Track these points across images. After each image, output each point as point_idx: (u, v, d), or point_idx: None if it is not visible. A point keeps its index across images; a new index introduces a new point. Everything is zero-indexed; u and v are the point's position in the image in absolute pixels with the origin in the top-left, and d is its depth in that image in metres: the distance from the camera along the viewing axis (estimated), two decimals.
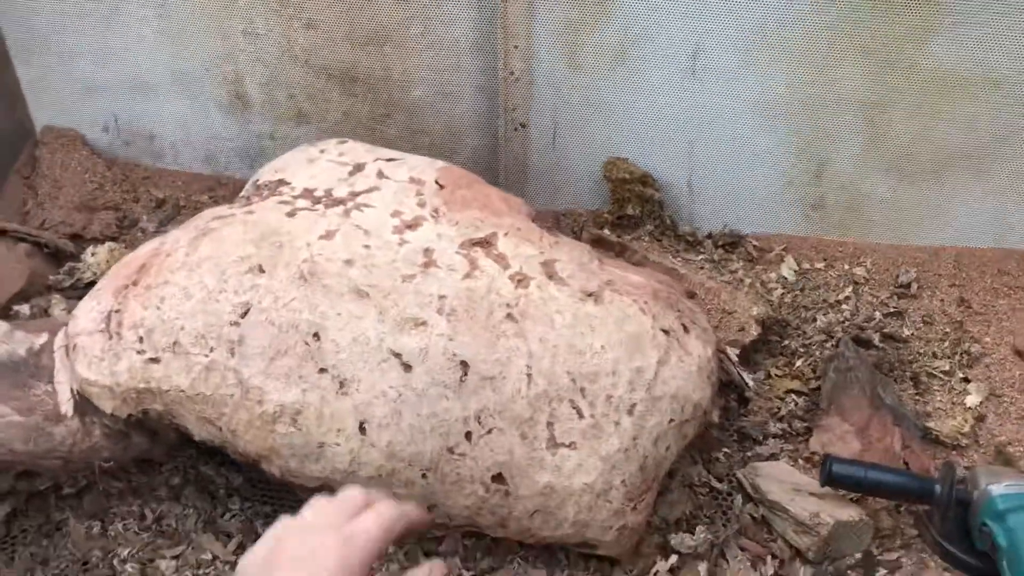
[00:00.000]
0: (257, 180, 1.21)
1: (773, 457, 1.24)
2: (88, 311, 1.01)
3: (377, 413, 0.95)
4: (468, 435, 0.96)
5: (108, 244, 1.57)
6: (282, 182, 1.17)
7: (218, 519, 1.12)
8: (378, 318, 0.98)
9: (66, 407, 1.01)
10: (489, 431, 0.96)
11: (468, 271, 1.04)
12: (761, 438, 1.26)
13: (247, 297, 0.98)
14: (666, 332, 1.06)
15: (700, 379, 1.06)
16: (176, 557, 1.07)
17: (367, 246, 1.05)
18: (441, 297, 1.01)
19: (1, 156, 1.68)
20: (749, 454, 1.24)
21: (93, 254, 1.56)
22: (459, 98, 1.52)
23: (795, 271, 1.50)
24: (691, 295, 1.38)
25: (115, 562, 1.06)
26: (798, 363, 1.36)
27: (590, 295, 1.06)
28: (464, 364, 0.97)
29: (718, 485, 1.18)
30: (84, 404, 1.00)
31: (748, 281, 1.47)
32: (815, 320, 1.42)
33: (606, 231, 1.50)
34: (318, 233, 1.05)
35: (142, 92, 1.62)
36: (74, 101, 1.66)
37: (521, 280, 1.05)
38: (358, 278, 1.01)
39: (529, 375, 0.98)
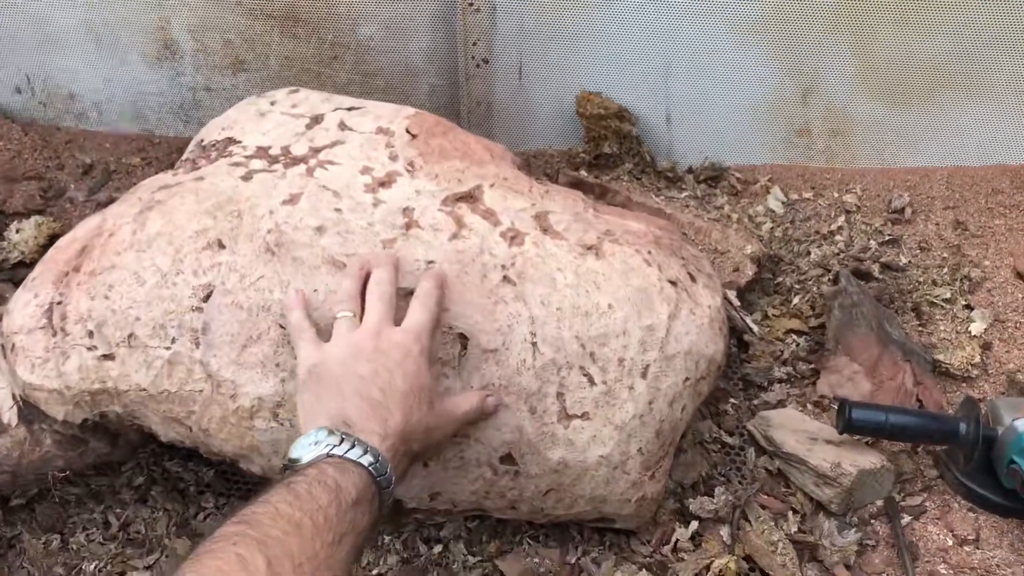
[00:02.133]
0: (202, 140, 1.07)
1: (781, 404, 1.17)
2: (25, 305, 0.88)
3: None
4: None
5: (34, 218, 1.42)
6: (231, 140, 1.04)
7: (191, 520, 1.01)
8: None
9: (8, 415, 0.88)
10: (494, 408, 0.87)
11: (455, 231, 0.93)
12: (766, 384, 1.19)
13: (208, 278, 0.86)
14: (673, 283, 0.97)
15: (712, 332, 0.98)
16: (149, 567, 0.96)
17: (338, 209, 0.93)
18: (429, 263, 0.90)
19: None
20: (756, 402, 1.17)
21: (18, 231, 1.40)
22: (413, 34, 1.39)
23: (783, 203, 1.42)
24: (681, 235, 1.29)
25: None
26: (795, 301, 1.29)
27: (590, 248, 0.96)
28: (462, 337, 0.87)
29: (729, 440, 1.11)
30: (30, 410, 0.88)
31: (735, 217, 1.38)
32: (809, 254, 1.35)
33: (583, 172, 1.40)
34: (280, 198, 0.93)
35: (56, 46, 1.45)
36: None
37: (514, 237, 0.94)
38: (332, 247, 0.89)
39: (534, 344, 0.88)
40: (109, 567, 0.96)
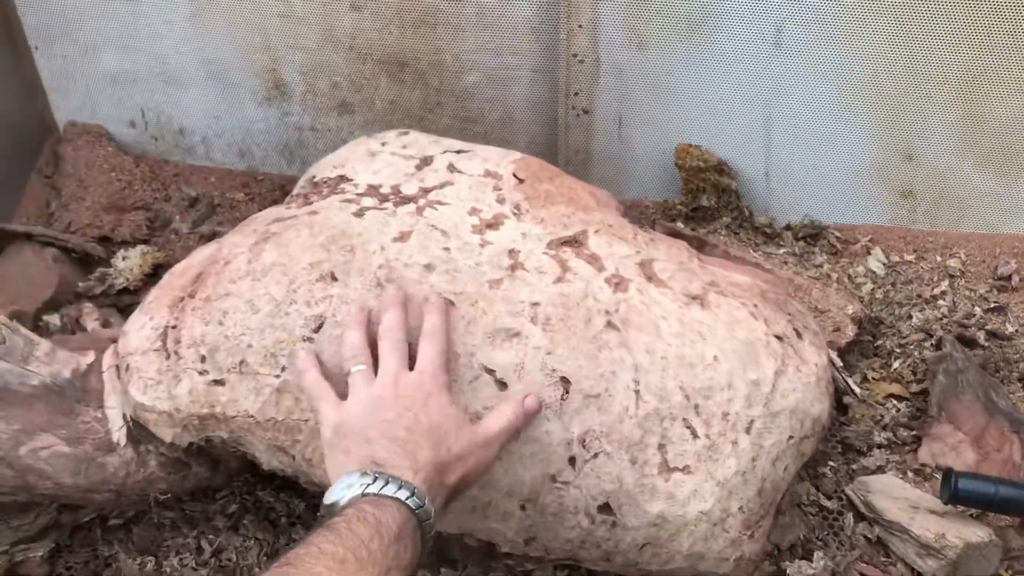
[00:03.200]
0: (313, 177, 1.10)
1: (880, 470, 1.13)
2: (140, 327, 0.90)
3: None
4: (572, 461, 0.86)
5: (140, 247, 1.47)
6: (343, 178, 1.06)
7: (281, 550, 1.02)
8: (467, 329, 0.87)
9: (118, 435, 0.90)
10: (595, 456, 0.86)
11: (560, 274, 0.93)
12: (866, 449, 1.15)
13: (320, 309, 0.88)
14: (780, 339, 0.95)
15: (818, 390, 0.95)
16: None
17: (446, 248, 0.94)
18: (534, 304, 0.90)
19: (22, 154, 1.57)
20: (854, 467, 1.14)
21: (124, 258, 1.45)
22: (516, 83, 1.41)
23: (884, 264, 1.39)
24: None
25: None
26: (895, 365, 1.26)
27: (695, 298, 0.95)
28: (565, 380, 0.86)
29: (828, 504, 1.08)
30: (138, 431, 0.90)
31: (835, 276, 1.36)
32: (910, 317, 1.31)
33: (679, 224, 1.39)
34: (391, 235, 0.95)
35: (171, 83, 1.51)
36: (99, 94, 1.55)
37: (619, 283, 0.94)
38: (440, 284, 0.90)
39: (637, 392, 0.87)
40: None
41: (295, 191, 1.12)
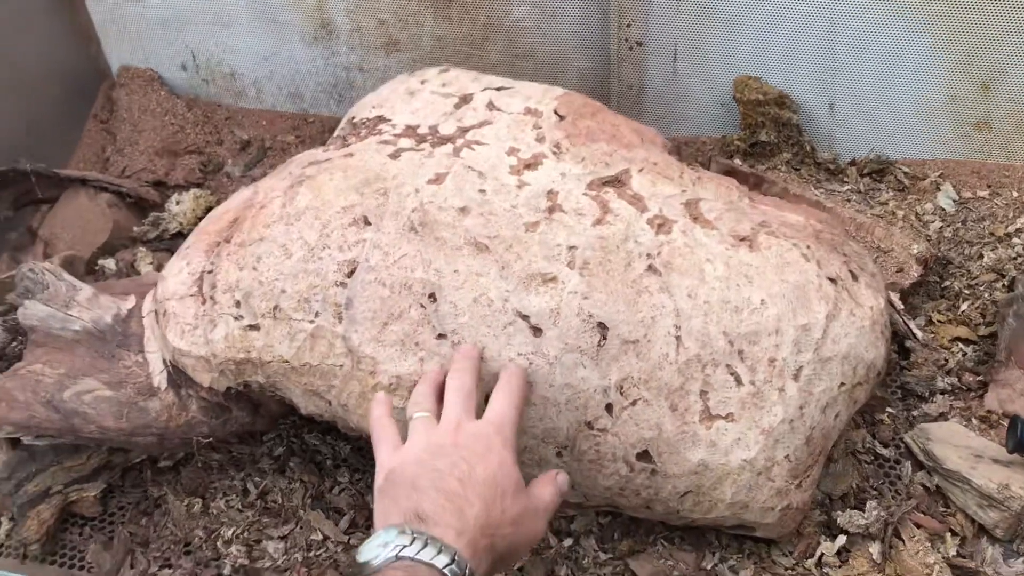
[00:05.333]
0: (353, 117, 1.08)
1: (942, 417, 1.08)
2: (178, 272, 0.90)
3: None
4: (609, 408, 0.83)
5: (193, 191, 1.48)
6: (381, 119, 1.04)
7: (326, 493, 1.03)
8: (500, 274, 0.85)
9: (159, 379, 0.91)
10: (633, 403, 0.83)
11: (599, 216, 0.90)
12: (927, 395, 1.10)
13: (353, 254, 0.86)
14: (833, 281, 0.90)
15: (873, 335, 0.91)
16: (284, 537, 0.98)
17: (482, 190, 0.91)
18: (571, 248, 0.87)
19: (78, 100, 1.59)
20: (915, 414, 1.09)
21: (178, 202, 1.46)
22: (565, 16, 1.36)
23: (954, 200, 1.31)
24: None
25: (219, 543, 0.97)
26: (963, 307, 1.19)
27: (743, 240, 0.91)
28: (602, 326, 0.83)
29: (884, 451, 1.04)
30: (178, 376, 0.91)
31: (901, 214, 1.29)
32: (981, 257, 1.24)
33: (737, 161, 1.34)
34: (426, 177, 0.92)
35: (220, 26, 1.50)
36: (150, 38, 1.54)
37: (662, 224, 0.90)
38: (475, 228, 0.87)
39: (678, 337, 0.84)
40: (246, 534, 0.98)
41: (336, 132, 1.10)
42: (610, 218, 0.90)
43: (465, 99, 1.04)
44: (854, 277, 0.93)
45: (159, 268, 1.37)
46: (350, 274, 0.86)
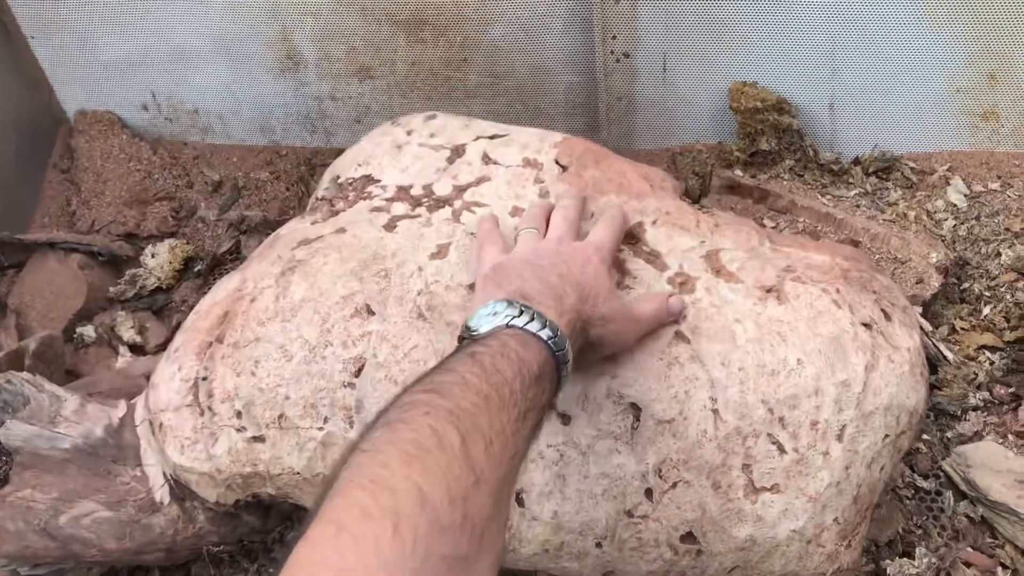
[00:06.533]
0: (337, 177, 1.00)
1: (977, 436, 1.05)
2: (169, 379, 0.84)
3: (536, 480, 0.77)
4: (648, 493, 0.78)
5: (168, 241, 1.40)
6: (369, 179, 0.97)
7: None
8: None
9: (161, 493, 0.85)
10: (673, 485, 0.78)
11: (618, 280, 0.84)
12: (960, 413, 1.06)
13: (359, 349, 0.80)
14: (867, 327, 0.85)
15: (913, 379, 0.86)
16: None
17: None
18: None
19: (35, 149, 1.49)
20: (949, 435, 1.05)
21: (153, 255, 1.39)
22: (546, 31, 1.28)
23: (965, 195, 1.26)
24: (854, 244, 1.16)
25: None
26: (985, 311, 1.15)
27: (770, 291, 0.85)
28: (634, 407, 0.78)
29: (924, 484, 1.00)
30: (181, 489, 0.84)
31: (912, 215, 1.24)
32: (999, 255, 1.20)
33: (738, 172, 1.28)
34: (428, 250, 0.86)
35: (178, 62, 1.41)
36: (105, 80, 1.45)
37: (684, 283, 0.85)
38: None
39: (715, 411, 0.79)
40: None
41: (319, 193, 1.03)
42: (629, 281, 0.84)
43: (457, 151, 0.97)
44: (887, 317, 0.88)
45: (140, 331, 1.30)
46: (358, 373, 0.79)
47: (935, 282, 1.12)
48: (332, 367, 0.80)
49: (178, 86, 1.45)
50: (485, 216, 0.86)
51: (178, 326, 1.31)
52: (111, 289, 1.34)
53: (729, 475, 0.79)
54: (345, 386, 0.79)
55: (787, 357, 0.81)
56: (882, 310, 0.88)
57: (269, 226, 1.41)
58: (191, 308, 1.32)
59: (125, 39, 1.39)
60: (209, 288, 1.35)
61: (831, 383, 0.81)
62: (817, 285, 0.86)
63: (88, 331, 1.29)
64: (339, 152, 1.46)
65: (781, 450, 0.80)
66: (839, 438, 0.81)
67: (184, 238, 1.42)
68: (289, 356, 0.80)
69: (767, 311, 0.83)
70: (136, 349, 1.29)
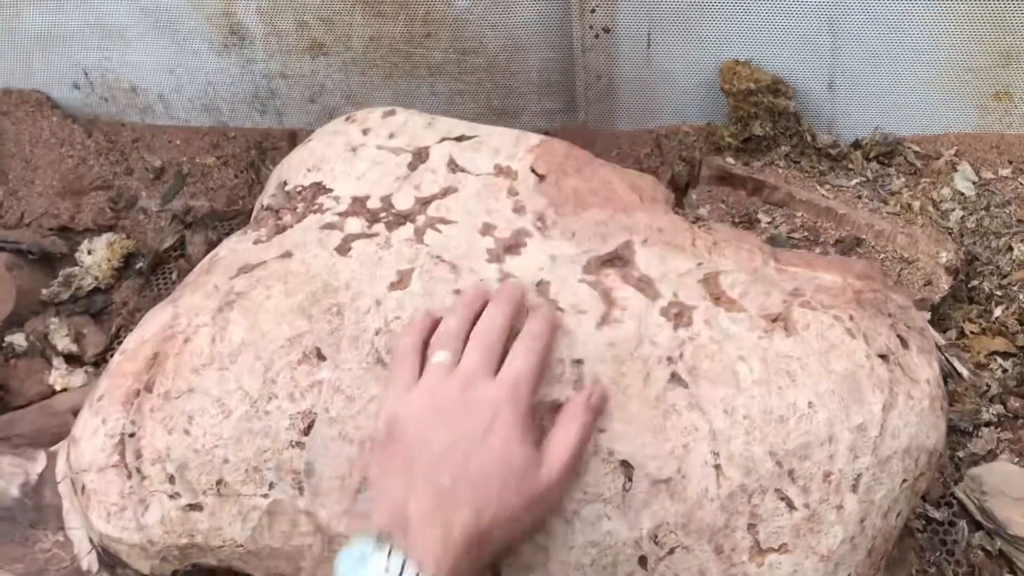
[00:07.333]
0: (285, 183, 0.89)
1: (991, 455, 0.97)
2: (92, 434, 0.72)
3: (516, 551, 0.68)
4: (643, 561, 0.69)
5: (105, 236, 1.28)
6: (320, 188, 0.85)
7: None
8: None
9: (87, 561, 0.75)
10: (671, 551, 0.69)
11: (604, 312, 0.74)
12: (972, 429, 0.98)
13: (308, 403, 0.69)
14: (884, 358, 0.76)
15: (933, 416, 0.77)
16: None
17: (457, 291, 0.74)
18: (576, 363, 0.71)
19: None
20: (961, 454, 0.97)
21: (90, 251, 1.27)
22: (519, 3, 1.16)
23: (974, 183, 1.17)
24: (857, 241, 1.07)
25: None
26: (997, 312, 1.06)
27: (776, 320, 0.75)
28: (626, 465, 0.68)
29: (936, 514, 0.92)
30: (111, 556, 0.74)
31: (917, 205, 1.14)
32: (1011, 249, 1.10)
33: (729, 159, 1.17)
34: (387, 279, 0.75)
35: (111, 37, 1.28)
36: (30, 55, 1.31)
37: (679, 314, 0.74)
38: None
39: (717, 466, 0.69)
40: None
41: (264, 200, 0.91)
42: (617, 313, 0.74)
43: (420, 156, 0.85)
44: (904, 343, 0.79)
45: (77, 339, 1.18)
46: (307, 430, 0.69)
47: (944, 284, 1.03)
48: (277, 424, 0.69)
49: (112, 63, 1.31)
50: (410, 325, 0.70)
51: (118, 332, 1.21)
52: (43, 291, 1.22)
53: (733, 537, 0.70)
54: (293, 446, 0.69)
55: (797, 401, 0.71)
56: (899, 336, 0.79)
57: (217, 217, 1.29)
58: (132, 312, 1.21)
59: (53, 9, 1.26)
60: (152, 290, 1.24)
61: (845, 428, 0.72)
62: (828, 312, 0.76)
63: (18, 340, 1.18)
64: (292, 134, 1.35)
65: (790, 506, 0.71)
66: (854, 489, 0.72)
67: (124, 232, 1.30)
68: (227, 411, 0.69)
69: (774, 345, 0.73)
70: (72, 359, 1.17)
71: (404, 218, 0.80)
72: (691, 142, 1.23)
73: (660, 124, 1.26)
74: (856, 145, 1.20)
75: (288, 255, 0.77)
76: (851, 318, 0.77)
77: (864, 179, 1.17)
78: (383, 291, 0.74)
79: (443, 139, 0.86)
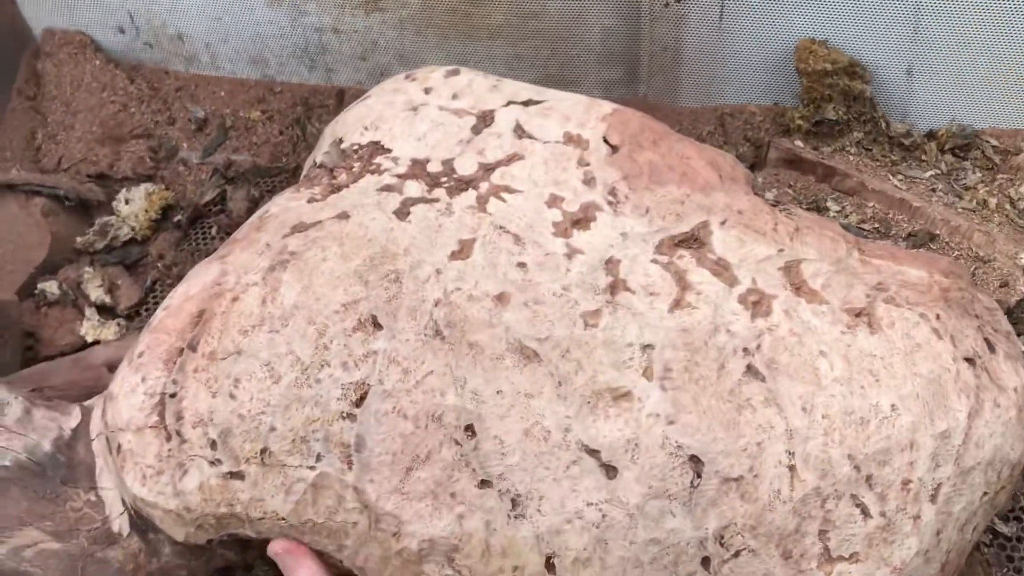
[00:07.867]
0: (340, 140, 0.84)
1: None
2: (131, 391, 0.69)
3: (572, 544, 0.64)
4: (706, 562, 0.65)
5: (144, 186, 1.25)
6: (378, 147, 0.81)
7: None
8: (557, 393, 0.65)
9: (119, 523, 0.71)
10: (736, 554, 0.65)
11: (677, 296, 0.69)
12: None
13: (361, 373, 0.65)
14: (971, 362, 0.71)
15: (1020, 427, 0.72)
16: None
17: (522, 264, 0.70)
18: (645, 348, 0.66)
19: None
20: None
21: (127, 201, 1.23)
22: None
23: None
24: (931, 236, 1.02)
25: None
26: None
27: (859, 315, 0.71)
28: (695, 460, 0.64)
29: (1004, 529, 0.87)
30: (144, 519, 0.71)
31: (993, 202, 1.08)
32: None
33: (798, 143, 1.12)
34: (448, 248, 0.71)
35: None
36: None
37: (758, 303, 0.70)
38: (519, 327, 0.66)
39: (791, 467, 0.65)
40: None
41: (318, 157, 0.87)
42: (691, 297, 0.69)
43: (485, 119, 0.81)
44: (991, 348, 0.74)
45: (110, 290, 1.15)
46: (359, 402, 0.65)
47: (1022, 286, 0.98)
48: (329, 393, 0.65)
49: (159, 8, 1.27)
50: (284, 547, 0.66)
51: (153, 285, 1.17)
52: (78, 239, 1.19)
53: (802, 543, 0.65)
54: (343, 417, 0.65)
55: (880, 402, 0.67)
56: (985, 339, 0.74)
57: (259, 173, 1.25)
58: (168, 266, 1.17)
59: None
60: (189, 244, 1.21)
61: (928, 434, 0.67)
62: (914, 309, 0.72)
63: (51, 287, 1.15)
64: (340, 92, 1.30)
65: (865, 514, 0.66)
66: (932, 499, 0.67)
67: (163, 183, 1.27)
68: (276, 377, 0.66)
69: (857, 342, 0.69)
70: (105, 310, 1.14)
71: (466, 184, 0.76)
72: (757, 122, 1.17)
73: (725, 102, 1.20)
74: (931, 136, 1.15)
75: (345, 216, 0.73)
76: (938, 317, 0.72)
77: (938, 172, 1.11)
78: (443, 260, 0.70)
79: (509, 103, 0.82)
